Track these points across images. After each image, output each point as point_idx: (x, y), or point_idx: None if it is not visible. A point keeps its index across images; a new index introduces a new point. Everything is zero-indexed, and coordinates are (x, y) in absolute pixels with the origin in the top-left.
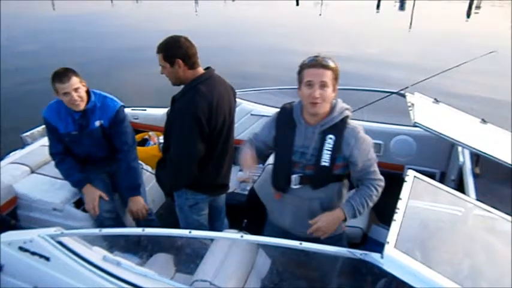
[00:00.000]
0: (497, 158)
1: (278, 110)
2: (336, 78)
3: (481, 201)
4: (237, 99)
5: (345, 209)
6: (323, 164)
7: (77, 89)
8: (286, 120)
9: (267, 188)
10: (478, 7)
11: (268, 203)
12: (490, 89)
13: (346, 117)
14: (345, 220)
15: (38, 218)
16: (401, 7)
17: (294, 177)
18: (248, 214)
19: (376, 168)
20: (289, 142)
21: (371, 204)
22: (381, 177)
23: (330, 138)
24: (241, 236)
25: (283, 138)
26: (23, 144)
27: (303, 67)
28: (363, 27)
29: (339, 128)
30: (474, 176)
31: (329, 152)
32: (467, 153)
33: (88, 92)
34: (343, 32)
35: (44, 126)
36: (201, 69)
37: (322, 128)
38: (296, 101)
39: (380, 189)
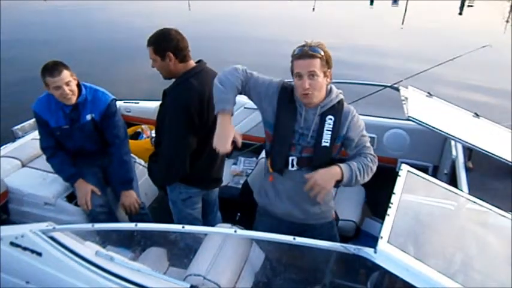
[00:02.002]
0: (489, 152)
1: (279, 83)
2: (327, 64)
3: (474, 195)
4: None
5: (342, 167)
6: (324, 144)
7: (68, 83)
8: (287, 100)
9: (260, 181)
10: (470, 6)
11: (262, 192)
12: (485, 81)
13: (342, 99)
14: (340, 181)
15: (29, 212)
16: (395, 2)
17: (292, 159)
18: (241, 207)
19: (369, 145)
20: (291, 123)
21: (366, 177)
22: (375, 154)
23: (330, 119)
24: (235, 231)
25: (284, 118)
26: (13, 138)
27: (292, 58)
28: (357, 22)
29: (337, 109)
30: (467, 170)
31: (329, 133)
32: (460, 147)
33: (79, 86)
34: (337, 26)
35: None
36: (192, 63)
37: (322, 110)
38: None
39: (375, 165)
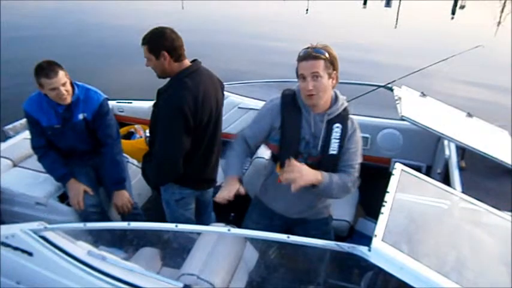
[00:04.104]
0: (482, 152)
1: (277, 98)
2: (331, 66)
3: (467, 194)
4: (225, 92)
5: (324, 175)
6: (331, 152)
7: (64, 83)
8: (291, 107)
9: (255, 182)
10: (462, 6)
11: (262, 189)
12: (479, 80)
13: (347, 107)
14: (316, 186)
15: (21, 213)
16: (387, 4)
17: None
18: (235, 208)
19: (357, 167)
20: (297, 129)
21: (340, 194)
22: (357, 177)
23: (337, 127)
24: (229, 230)
25: (290, 125)
26: (5, 138)
27: (297, 60)
28: (350, 23)
29: (343, 117)
30: (460, 169)
31: (337, 141)
32: (453, 146)
33: (71, 85)
34: (330, 28)
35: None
36: (187, 62)
37: (329, 118)
38: (295, 87)
39: (353, 188)
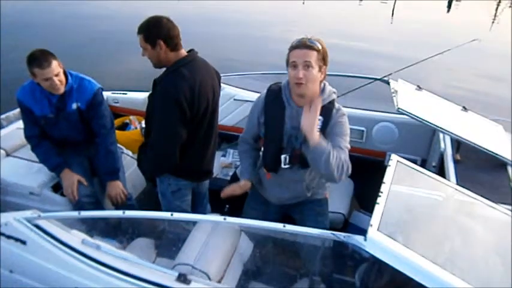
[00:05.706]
0: (477, 145)
1: (263, 92)
2: (323, 60)
3: (462, 187)
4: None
5: (324, 139)
6: None
7: (58, 74)
8: (274, 102)
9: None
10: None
11: (256, 179)
12: (474, 74)
13: (333, 99)
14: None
15: (14, 203)
16: None
17: (284, 157)
18: (230, 199)
19: (347, 148)
20: (280, 125)
21: (335, 168)
22: (349, 161)
23: (319, 120)
24: (224, 219)
25: (273, 120)
26: None
27: (289, 49)
28: (347, 16)
29: (327, 109)
30: (455, 162)
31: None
32: (448, 140)
33: (65, 73)
34: (326, 20)
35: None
36: (183, 52)
37: None
38: (283, 81)
39: (348, 167)
